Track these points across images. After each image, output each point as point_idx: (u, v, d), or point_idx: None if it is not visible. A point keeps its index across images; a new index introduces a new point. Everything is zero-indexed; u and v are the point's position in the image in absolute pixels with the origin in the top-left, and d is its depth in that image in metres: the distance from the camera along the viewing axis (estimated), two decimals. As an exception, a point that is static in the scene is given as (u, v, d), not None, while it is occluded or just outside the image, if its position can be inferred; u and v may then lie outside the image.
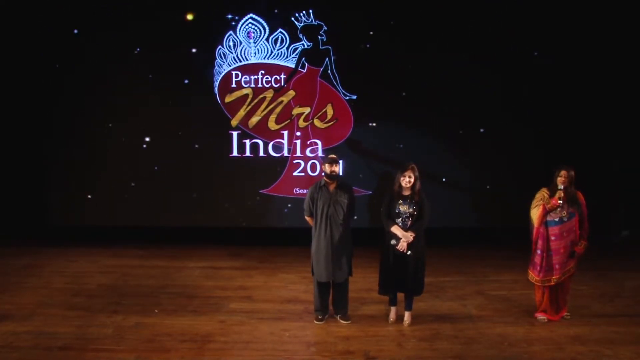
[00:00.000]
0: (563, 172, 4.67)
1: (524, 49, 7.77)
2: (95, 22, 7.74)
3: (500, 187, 8.01)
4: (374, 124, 7.95)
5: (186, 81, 7.88)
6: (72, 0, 7.76)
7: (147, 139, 8.02)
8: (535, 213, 4.77)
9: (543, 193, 4.79)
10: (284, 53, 7.85)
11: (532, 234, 4.85)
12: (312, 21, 7.75)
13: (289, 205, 8.02)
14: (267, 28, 7.79)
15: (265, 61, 7.88)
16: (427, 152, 7.89)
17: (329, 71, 7.84)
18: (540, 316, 4.84)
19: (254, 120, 7.97)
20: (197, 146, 8.02)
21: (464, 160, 8.04)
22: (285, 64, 7.87)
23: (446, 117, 7.88)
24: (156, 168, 8.05)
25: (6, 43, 7.80)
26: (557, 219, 4.71)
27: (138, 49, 7.87)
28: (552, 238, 4.73)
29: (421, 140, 7.96)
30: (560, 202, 4.63)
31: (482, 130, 7.96)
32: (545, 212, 4.72)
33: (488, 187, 8.07)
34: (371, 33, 7.78)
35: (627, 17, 7.54)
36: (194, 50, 7.83)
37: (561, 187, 4.65)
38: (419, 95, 7.87)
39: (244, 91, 7.93)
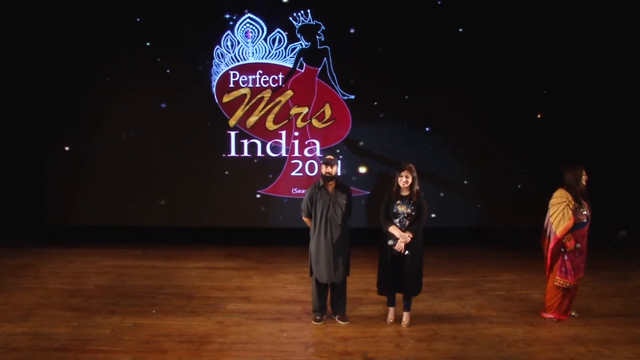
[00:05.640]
0: (585, 171, 4.64)
1: (524, 48, 7.75)
2: (92, 21, 7.71)
3: (499, 187, 8.00)
4: (372, 124, 7.94)
5: (184, 81, 7.85)
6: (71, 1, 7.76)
7: (145, 139, 8.00)
8: (562, 225, 4.59)
9: (565, 197, 4.62)
10: (282, 53, 7.83)
11: (545, 238, 4.77)
12: (310, 21, 7.74)
13: (287, 206, 8.00)
14: (265, 28, 7.77)
15: (263, 61, 7.87)
16: (426, 152, 7.88)
17: (327, 71, 7.83)
18: (550, 316, 4.82)
19: (252, 120, 7.95)
20: (194, 146, 7.99)
21: (463, 160, 8.03)
22: (284, 63, 7.85)
23: (446, 117, 7.86)
24: (153, 168, 8.02)
25: (5, 42, 7.77)
26: (585, 220, 4.66)
27: (136, 49, 7.83)
28: (580, 239, 4.69)
29: (420, 140, 7.95)
30: (579, 245, 4.64)
31: (481, 130, 7.95)
32: (574, 224, 4.60)
33: (487, 187, 8.06)
34: (370, 32, 7.75)
35: (627, 17, 7.53)
36: (191, 50, 7.80)
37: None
38: (418, 95, 7.85)
39: (242, 91, 7.91)
